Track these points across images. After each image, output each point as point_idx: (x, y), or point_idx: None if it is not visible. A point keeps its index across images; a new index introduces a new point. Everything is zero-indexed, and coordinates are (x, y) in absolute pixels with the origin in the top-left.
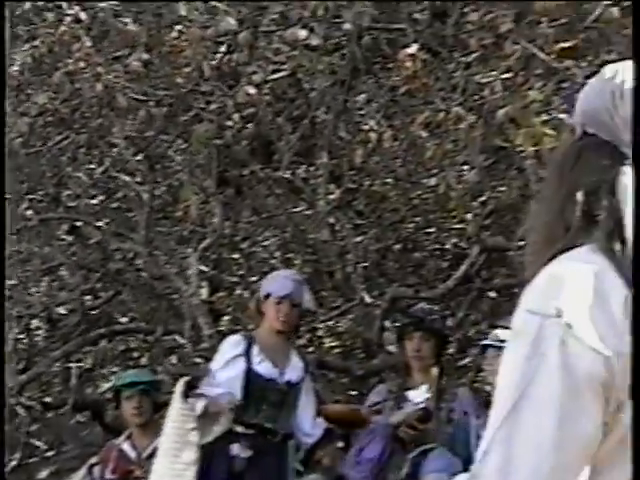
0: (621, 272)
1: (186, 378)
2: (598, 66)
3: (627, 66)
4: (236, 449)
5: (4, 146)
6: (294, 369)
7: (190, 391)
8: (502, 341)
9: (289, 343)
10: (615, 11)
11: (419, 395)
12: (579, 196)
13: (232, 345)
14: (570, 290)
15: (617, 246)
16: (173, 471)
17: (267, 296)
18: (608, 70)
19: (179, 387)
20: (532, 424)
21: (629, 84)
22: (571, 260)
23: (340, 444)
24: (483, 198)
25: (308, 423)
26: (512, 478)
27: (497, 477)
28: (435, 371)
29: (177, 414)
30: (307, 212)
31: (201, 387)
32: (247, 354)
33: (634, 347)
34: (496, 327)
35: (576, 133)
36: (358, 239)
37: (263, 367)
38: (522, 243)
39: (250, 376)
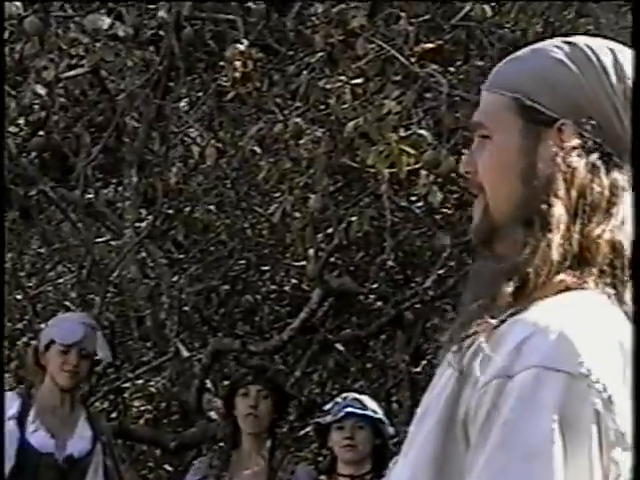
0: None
1: None
2: (467, 73)
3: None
4: None
5: (4, 146)
6: (79, 440)
7: None
8: (365, 407)
9: (77, 404)
10: (487, 8)
11: None
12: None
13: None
14: (600, 350)
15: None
16: None
17: (49, 345)
18: (610, 53)
19: None
20: None
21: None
22: (592, 312)
23: None
24: (329, 230)
25: None
26: None
27: None
28: (267, 443)
29: None
30: (111, 243)
31: None
32: (20, 418)
33: (635, 347)
34: (348, 390)
35: (565, 134)
36: (174, 278)
37: (37, 437)
38: (375, 286)
39: (21, 448)
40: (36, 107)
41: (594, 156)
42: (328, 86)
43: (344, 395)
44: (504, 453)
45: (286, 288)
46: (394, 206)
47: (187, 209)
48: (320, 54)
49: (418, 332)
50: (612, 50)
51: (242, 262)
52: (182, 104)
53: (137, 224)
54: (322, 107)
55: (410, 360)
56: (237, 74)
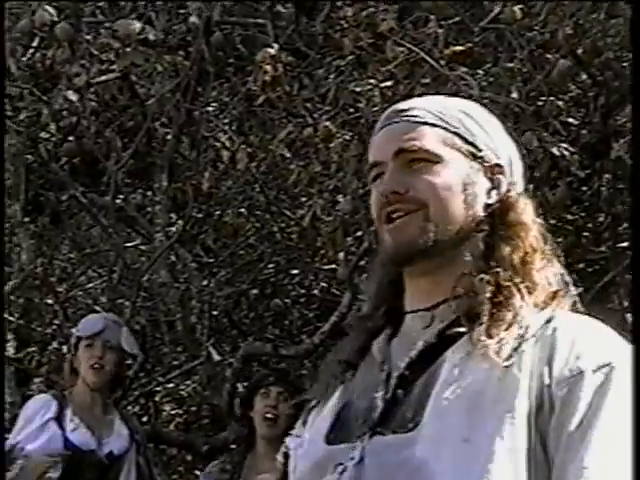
0: None
1: None
2: (496, 75)
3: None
4: None
5: (4, 146)
6: (118, 438)
7: None
8: None
9: (109, 406)
10: (517, 10)
11: None
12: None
13: (40, 407)
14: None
15: None
16: None
17: (77, 343)
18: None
19: None
20: None
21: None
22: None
23: None
24: (358, 233)
25: None
26: None
27: None
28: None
29: None
30: (142, 247)
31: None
32: (59, 418)
33: (635, 345)
34: None
35: (501, 173)
36: (205, 282)
37: (79, 435)
38: None
39: (64, 447)
40: (67, 112)
41: (517, 189)
42: (358, 89)
43: None
44: (614, 436)
45: (316, 292)
46: None
47: (217, 213)
48: (349, 57)
49: None
50: None
51: (272, 266)
52: (212, 108)
53: (167, 228)
54: (352, 110)
55: None
56: (267, 78)
